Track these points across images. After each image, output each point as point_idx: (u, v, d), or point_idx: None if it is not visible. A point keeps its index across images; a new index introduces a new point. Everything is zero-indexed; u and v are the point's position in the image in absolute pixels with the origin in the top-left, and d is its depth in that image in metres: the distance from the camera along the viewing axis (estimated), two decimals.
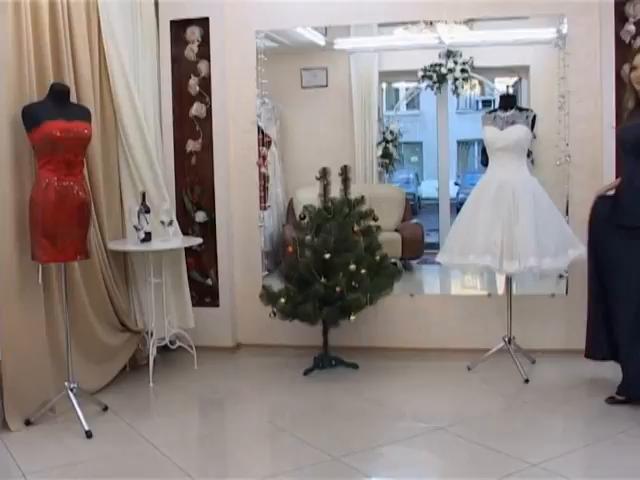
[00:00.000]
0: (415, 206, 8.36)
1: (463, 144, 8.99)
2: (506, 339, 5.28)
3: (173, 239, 5.45)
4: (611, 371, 4.85)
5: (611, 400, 4.53)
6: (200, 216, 6.02)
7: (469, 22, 5.86)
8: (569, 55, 5.43)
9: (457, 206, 5.76)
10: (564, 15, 5.42)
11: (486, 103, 7.19)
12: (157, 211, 5.39)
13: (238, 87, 5.95)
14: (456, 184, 8.22)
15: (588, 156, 5.45)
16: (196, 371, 5.52)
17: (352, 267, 5.10)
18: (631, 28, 5.27)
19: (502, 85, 6.85)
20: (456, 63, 6.54)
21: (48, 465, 3.83)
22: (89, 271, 4.95)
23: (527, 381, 5.02)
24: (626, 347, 4.49)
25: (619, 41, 5.31)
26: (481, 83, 6.81)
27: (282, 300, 5.22)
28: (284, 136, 7.01)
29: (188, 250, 5.81)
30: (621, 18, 5.30)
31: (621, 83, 5.32)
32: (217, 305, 6.03)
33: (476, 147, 8.31)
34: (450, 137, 7.12)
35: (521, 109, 5.29)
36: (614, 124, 5.16)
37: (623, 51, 5.30)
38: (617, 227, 4.49)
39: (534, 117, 5.22)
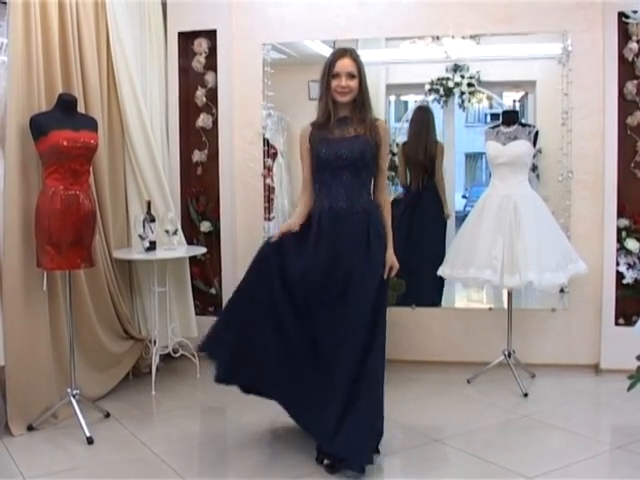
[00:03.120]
0: None
1: (471, 157, 8.97)
2: (506, 353, 5.31)
3: (178, 248, 5.50)
4: (611, 386, 4.89)
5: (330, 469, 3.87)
6: (205, 226, 6.07)
7: (476, 37, 5.89)
8: (572, 72, 5.47)
9: (463, 219, 5.78)
10: (568, 32, 5.47)
11: (495, 116, 7.18)
12: (162, 220, 5.43)
13: (244, 99, 6.01)
14: (464, 197, 8.23)
15: (590, 172, 5.49)
16: (198, 379, 5.55)
17: None
18: (634, 46, 5.29)
19: (509, 99, 6.87)
20: (463, 77, 6.54)
21: (49, 470, 3.87)
22: (94, 279, 5.00)
23: (526, 395, 5.04)
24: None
25: (622, 59, 5.34)
26: (489, 97, 6.83)
27: None
28: (291, 147, 7.02)
29: (192, 259, 5.87)
30: (624, 36, 5.33)
31: (624, 100, 5.37)
32: None
33: (484, 160, 8.29)
34: (458, 150, 7.12)
35: (524, 125, 5.36)
36: None
37: (626, 69, 5.35)
38: None
39: (536, 133, 5.28)
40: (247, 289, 4.04)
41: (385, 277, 3.90)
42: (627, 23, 5.24)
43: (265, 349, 3.97)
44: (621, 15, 5.25)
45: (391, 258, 3.93)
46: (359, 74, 3.85)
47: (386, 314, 3.98)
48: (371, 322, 3.84)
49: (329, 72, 3.85)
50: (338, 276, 3.86)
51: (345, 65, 3.83)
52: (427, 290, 5.97)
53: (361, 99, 3.89)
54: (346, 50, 3.90)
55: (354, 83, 3.83)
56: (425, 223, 6.26)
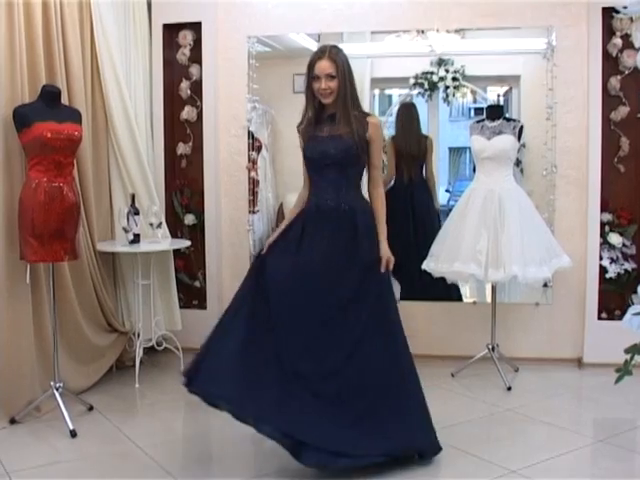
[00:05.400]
0: None
1: (455, 151, 8.98)
2: (490, 347, 5.33)
3: (162, 241, 5.49)
4: (594, 379, 4.91)
5: None
6: (189, 219, 6.05)
7: (461, 31, 5.89)
8: (557, 67, 5.48)
9: (447, 213, 5.78)
10: (552, 27, 5.48)
11: (479, 111, 7.19)
12: (146, 213, 5.41)
13: (229, 91, 6.00)
14: (447, 191, 8.24)
15: (574, 167, 5.52)
16: (182, 373, 5.54)
17: None
18: (618, 42, 5.32)
19: (493, 94, 6.89)
20: (447, 71, 6.55)
21: (32, 464, 3.85)
22: (78, 272, 4.98)
23: (509, 389, 5.07)
24: None
25: (606, 54, 5.37)
26: (473, 91, 6.84)
27: None
28: (275, 140, 7.01)
29: (177, 252, 5.86)
30: (609, 31, 5.36)
31: (608, 95, 5.39)
32: (204, 307, 6.05)
33: (468, 154, 8.30)
34: (442, 144, 7.13)
35: (508, 119, 5.37)
36: None
37: (610, 64, 5.37)
38: None
39: (521, 127, 5.30)
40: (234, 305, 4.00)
41: (383, 270, 3.86)
42: (612, 18, 5.27)
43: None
44: (605, 10, 5.27)
45: (386, 252, 3.87)
46: (338, 73, 3.77)
47: (397, 308, 4.01)
48: (385, 323, 3.96)
49: (309, 74, 3.83)
50: (330, 280, 3.80)
51: (323, 67, 3.76)
52: (419, 284, 5.92)
53: (343, 97, 3.81)
54: (324, 50, 3.81)
55: (334, 84, 3.77)
56: (417, 217, 6.24)
